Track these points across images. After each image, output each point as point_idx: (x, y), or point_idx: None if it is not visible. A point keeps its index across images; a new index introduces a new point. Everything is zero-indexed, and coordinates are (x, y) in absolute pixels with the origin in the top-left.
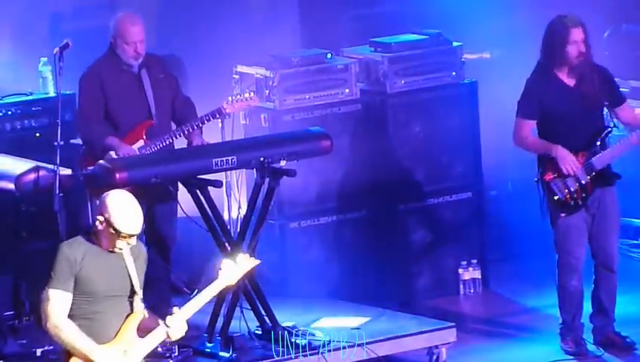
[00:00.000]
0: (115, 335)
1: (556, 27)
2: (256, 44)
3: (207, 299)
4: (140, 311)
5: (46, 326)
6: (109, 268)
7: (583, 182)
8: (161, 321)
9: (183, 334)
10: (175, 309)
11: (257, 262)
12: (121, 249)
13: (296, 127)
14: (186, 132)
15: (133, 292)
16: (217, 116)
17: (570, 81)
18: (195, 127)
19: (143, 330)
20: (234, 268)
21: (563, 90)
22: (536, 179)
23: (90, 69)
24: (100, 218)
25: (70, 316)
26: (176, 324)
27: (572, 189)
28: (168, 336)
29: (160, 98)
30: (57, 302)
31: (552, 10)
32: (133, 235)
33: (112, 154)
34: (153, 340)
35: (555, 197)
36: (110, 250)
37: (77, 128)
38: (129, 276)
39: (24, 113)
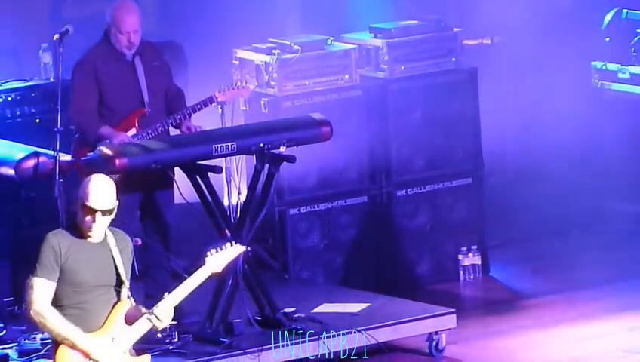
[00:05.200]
0: (103, 324)
1: None
2: (257, 29)
3: (193, 286)
4: (127, 299)
5: (29, 314)
6: (95, 258)
7: None
8: (144, 310)
9: (169, 322)
10: (165, 295)
11: (243, 248)
12: (95, 235)
13: (296, 113)
14: (178, 120)
15: (120, 282)
16: (209, 104)
17: None
18: (187, 116)
19: (130, 318)
20: (220, 256)
21: None
22: None
23: (84, 57)
24: (77, 200)
25: (59, 306)
26: (161, 313)
27: None
28: (154, 326)
29: (153, 86)
30: (41, 290)
31: None
32: (101, 211)
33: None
34: (140, 328)
35: None
36: (89, 235)
37: (70, 117)
38: (115, 266)
39: (24, 99)
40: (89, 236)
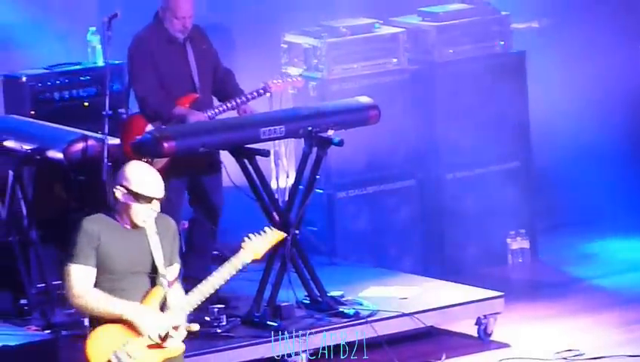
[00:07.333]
0: None
1: None
2: (305, 13)
3: (228, 276)
4: (161, 287)
5: (71, 301)
6: (129, 244)
7: None
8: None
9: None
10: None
11: (283, 234)
12: (145, 221)
13: (344, 97)
14: (229, 107)
15: (155, 269)
16: (263, 94)
17: None
18: (240, 103)
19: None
20: (259, 241)
21: None
22: None
23: (138, 40)
24: (120, 188)
25: None
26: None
27: None
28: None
29: (203, 70)
30: (80, 276)
31: None
32: (154, 199)
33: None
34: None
35: None
36: (134, 225)
37: (140, 97)
38: (151, 252)
39: (72, 83)
40: (138, 225)
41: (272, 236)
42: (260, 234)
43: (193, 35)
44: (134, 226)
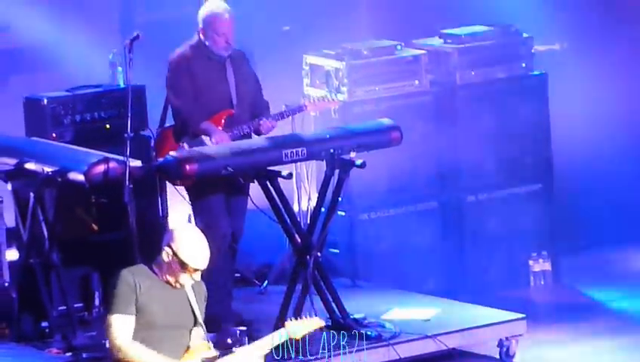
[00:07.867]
0: None
1: None
2: (327, 34)
3: (269, 346)
4: (204, 342)
5: (114, 354)
6: (169, 299)
7: None
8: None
9: None
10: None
11: (322, 323)
12: (182, 285)
13: (366, 119)
14: (254, 126)
15: (195, 324)
16: (297, 113)
17: None
18: (261, 124)
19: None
20: (299, 325)
21: None
22: None
23: (177, 54)
24: (168, 249)
25: None
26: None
27: None
28: None
29: (241, 90)
30: (120, 326)
31: (623, 2)
32: (198, 270)
33: (206, 139)
34: None
35: None
36: (171, 283)
37: (173, 105)
38: (191, 307)
39: (94, 105)
40: (175, 286)
41: (312, 323)
42: (301, 318)
43: (235, 56)
44: (169, 283)
